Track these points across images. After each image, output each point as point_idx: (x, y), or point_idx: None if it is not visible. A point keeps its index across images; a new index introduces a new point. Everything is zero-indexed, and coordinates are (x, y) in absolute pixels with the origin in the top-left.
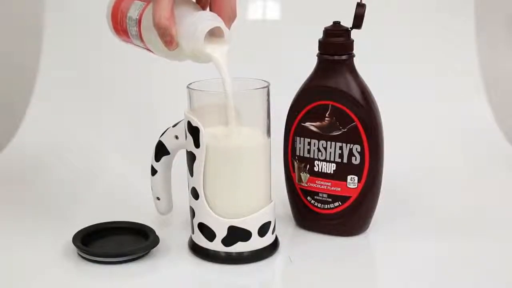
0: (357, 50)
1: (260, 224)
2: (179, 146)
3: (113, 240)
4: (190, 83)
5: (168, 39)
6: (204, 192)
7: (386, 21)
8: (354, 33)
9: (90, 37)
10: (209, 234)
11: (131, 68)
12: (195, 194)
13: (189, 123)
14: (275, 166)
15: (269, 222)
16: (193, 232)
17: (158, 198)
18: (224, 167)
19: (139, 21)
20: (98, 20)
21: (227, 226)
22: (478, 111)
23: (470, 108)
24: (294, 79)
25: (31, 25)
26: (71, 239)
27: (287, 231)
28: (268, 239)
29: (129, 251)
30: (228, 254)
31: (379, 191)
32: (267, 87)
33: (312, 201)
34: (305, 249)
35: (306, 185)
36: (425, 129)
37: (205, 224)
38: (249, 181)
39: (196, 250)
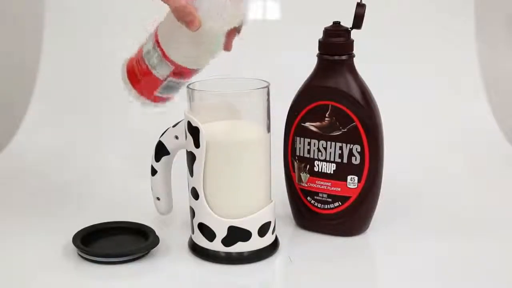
0: (357, 50)
1: (260, 224)
2: (179, 146)
3: (113, 240)
4: (190, 83)
5: (190, 19)
6: (204, 192)
7: (386, 21)
8: (354, 33)
9: (90, 37)
10: (209, 234)
11: None
12: (195, 194)
13: (189, 123)
14: (275, 166)
15: (269, 222)
16: (193, 232)
17: (158, 198)
18: (224, 165)
19: (157, 42)
20: (98, 20)
21: (227, 226)
22: (478, 111)
23: (470, 108)
24: (294, 79)
25: (31, 25)
26: (71, 239)
27: (287, 231)
28: (268, 239)
29: (129, 251)
30: (228, 254)
31: (379, 191)
32: (267, 87)
33: (312, 201)
34: (305, 249)
35: (306, 185)
36: (425, 129)
37: (205, 224)
38: (249, 181)
39: (196, 250)
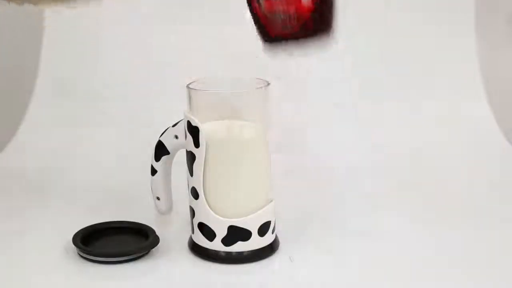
0: (357, 50)
1: (260, 224)
2: (179, 146)
3: (113, 240)
4: (190, 83)
5: None
6: (204, 192)
7: (386, 21)
8: (354, 34)
9: (90, 37)
10: (209, 234)
11: (131, 68)
12: (195, 194)
13: (189, 123)
14: (275, 166)
15: (269, 222)
16: (193, 232)
17: (158, 198)
18: (224, 165)
19: None
20: (98, 20)
21: (227, 226)
22: (478, 111)
23: (470, 108)
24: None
25: (31, 26)
26: (71, 239)
27: (287, 231)
28: (268, 239)
29: (129, 251)
30: (228, 254)
31: None
32: (267, 87)
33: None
34: (305, 249)
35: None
36: (425, 129)
37: (205, 224)
38: (249, 181)
39: (196, 250)
